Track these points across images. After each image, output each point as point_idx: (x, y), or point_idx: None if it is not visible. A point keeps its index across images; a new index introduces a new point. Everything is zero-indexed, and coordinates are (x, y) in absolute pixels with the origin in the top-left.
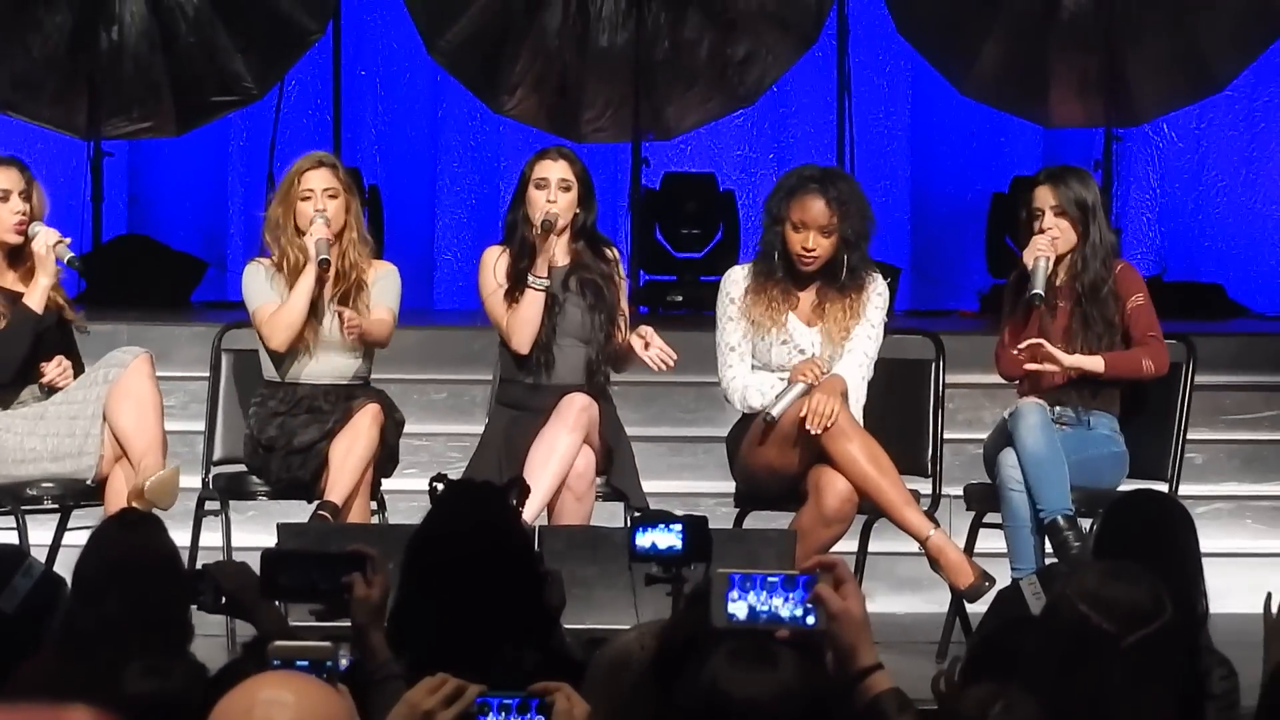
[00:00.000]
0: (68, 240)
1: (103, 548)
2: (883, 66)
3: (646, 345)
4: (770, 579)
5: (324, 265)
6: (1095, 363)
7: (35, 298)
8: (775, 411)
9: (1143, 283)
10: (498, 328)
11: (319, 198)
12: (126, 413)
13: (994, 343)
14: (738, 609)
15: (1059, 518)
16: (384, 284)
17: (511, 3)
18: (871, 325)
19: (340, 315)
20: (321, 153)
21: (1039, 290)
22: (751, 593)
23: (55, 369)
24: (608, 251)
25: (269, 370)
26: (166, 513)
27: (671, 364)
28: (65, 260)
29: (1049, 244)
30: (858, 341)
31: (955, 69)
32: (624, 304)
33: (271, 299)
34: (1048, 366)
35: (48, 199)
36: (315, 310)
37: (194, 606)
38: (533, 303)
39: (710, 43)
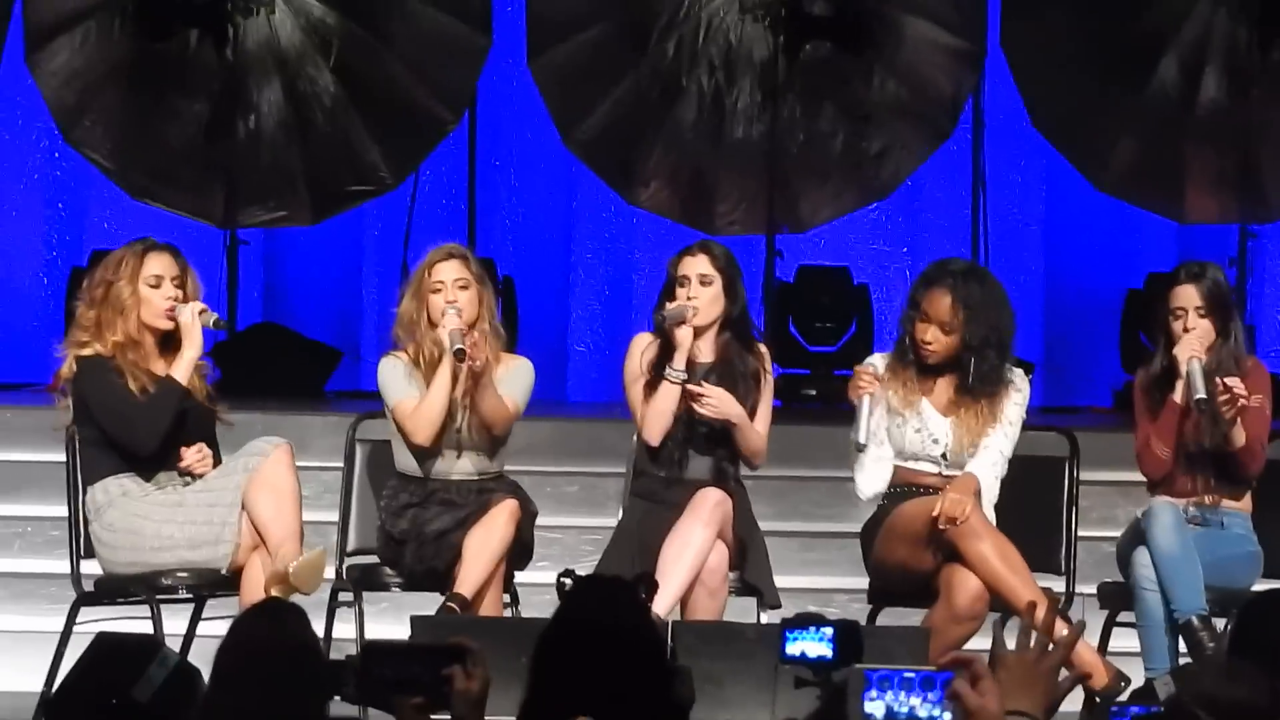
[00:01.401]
0: (214, 314)
1: (244, 637)
2: (1018, 160)
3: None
4: (907, 676)
5: (459, 355)
6: (1239, 433)
7: (180, 370)
8: (861, 438)
9: (1269, 383)
10: (634, 415)
11: (450, 289)
12: (266, 502)
13: (1129, 439)
14: (875, 708)
15: (1194, 618)
16: (514, 376)
17: (647, 95)
18: (1009, 423)
19: (467, 340)
20: (452, 245)
21: (1202, 395)
22: (890, 692)
23: (194, 455)
24: (758, 348)
25: (401, 463)
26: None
27: (711, 408)
28: (212, 324)
29: (1200, 344)
30: (993, 439)
31: (1091, 164)
32: (764, 405)
33: (410, 394)
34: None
35: (202, 286)
36: (449, 410)
37: (336, 697)
38: (667, 395)
39: (845, 136)
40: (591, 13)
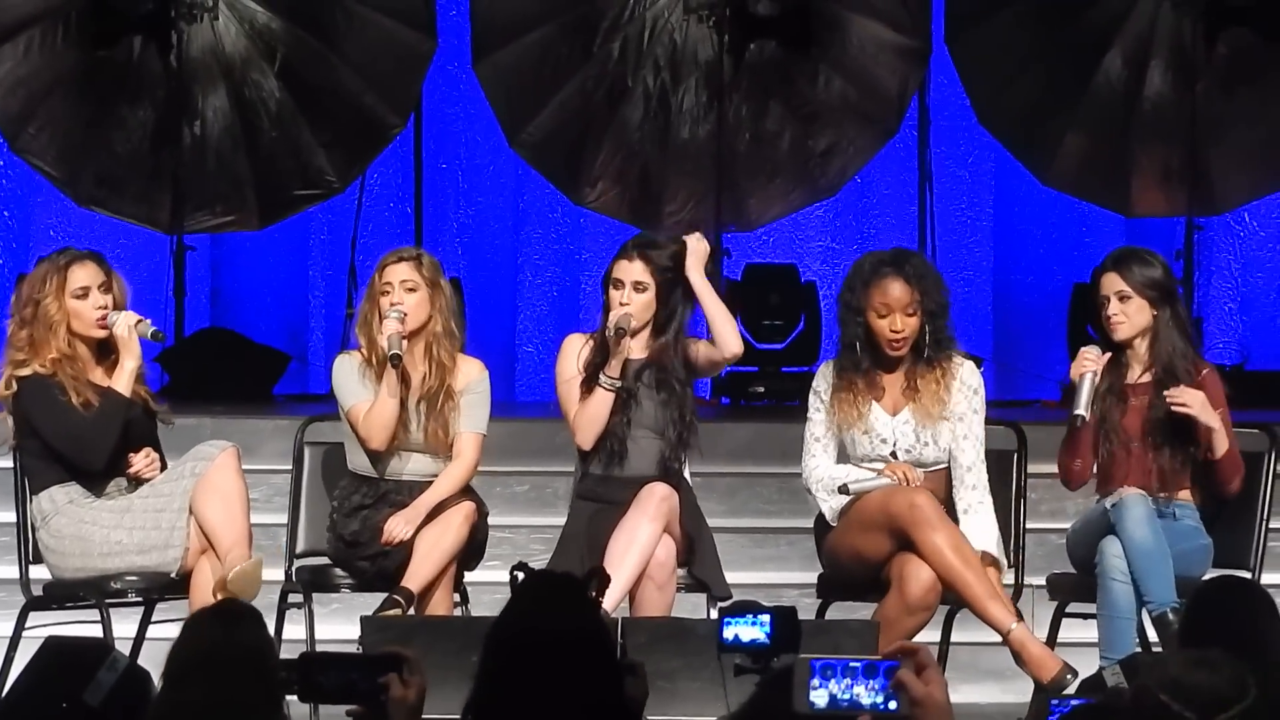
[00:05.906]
0: (148, 321)
1: (195, 639)
2: (965, 157)
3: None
4: (852, 665)
5: (394, 361)
6: (1220, 440)
7: (122, 382)
8: (853, 487)
9: (1223, 393)
10: (565, 416)
11: (397, 291)
12: (213, 506)
13: None
14: (819, 697)
15: (1168, 611)
16: (473, 399)
17: (593, 96)
18: (976, 438)
19: (382, 529)
20: (406, 248)
21: (1082, 412)
22: (833, 680)
23: (143, 460)
24: (692, 347)
25: (354, 463)
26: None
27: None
28: (149, 336)
29: (1096, 358)
30: (969, 456)
31: (1037, 159)
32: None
33: (363, 397)
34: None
35: (128, 288)
36: (402, 413)
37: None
38: (601, 402)
39: (792, 135)
40: (536, 15)
